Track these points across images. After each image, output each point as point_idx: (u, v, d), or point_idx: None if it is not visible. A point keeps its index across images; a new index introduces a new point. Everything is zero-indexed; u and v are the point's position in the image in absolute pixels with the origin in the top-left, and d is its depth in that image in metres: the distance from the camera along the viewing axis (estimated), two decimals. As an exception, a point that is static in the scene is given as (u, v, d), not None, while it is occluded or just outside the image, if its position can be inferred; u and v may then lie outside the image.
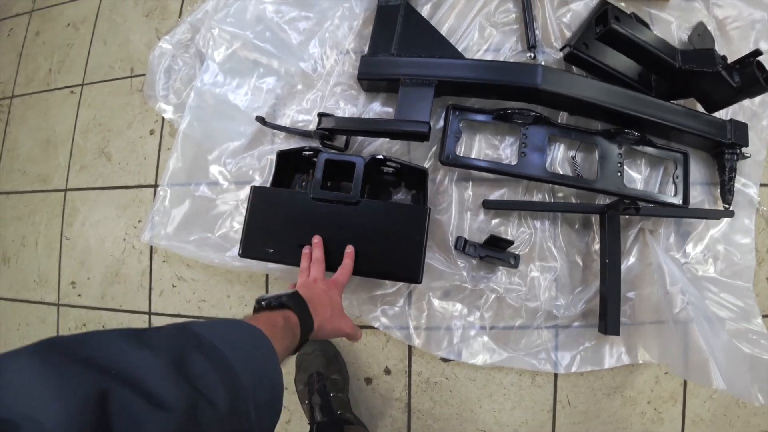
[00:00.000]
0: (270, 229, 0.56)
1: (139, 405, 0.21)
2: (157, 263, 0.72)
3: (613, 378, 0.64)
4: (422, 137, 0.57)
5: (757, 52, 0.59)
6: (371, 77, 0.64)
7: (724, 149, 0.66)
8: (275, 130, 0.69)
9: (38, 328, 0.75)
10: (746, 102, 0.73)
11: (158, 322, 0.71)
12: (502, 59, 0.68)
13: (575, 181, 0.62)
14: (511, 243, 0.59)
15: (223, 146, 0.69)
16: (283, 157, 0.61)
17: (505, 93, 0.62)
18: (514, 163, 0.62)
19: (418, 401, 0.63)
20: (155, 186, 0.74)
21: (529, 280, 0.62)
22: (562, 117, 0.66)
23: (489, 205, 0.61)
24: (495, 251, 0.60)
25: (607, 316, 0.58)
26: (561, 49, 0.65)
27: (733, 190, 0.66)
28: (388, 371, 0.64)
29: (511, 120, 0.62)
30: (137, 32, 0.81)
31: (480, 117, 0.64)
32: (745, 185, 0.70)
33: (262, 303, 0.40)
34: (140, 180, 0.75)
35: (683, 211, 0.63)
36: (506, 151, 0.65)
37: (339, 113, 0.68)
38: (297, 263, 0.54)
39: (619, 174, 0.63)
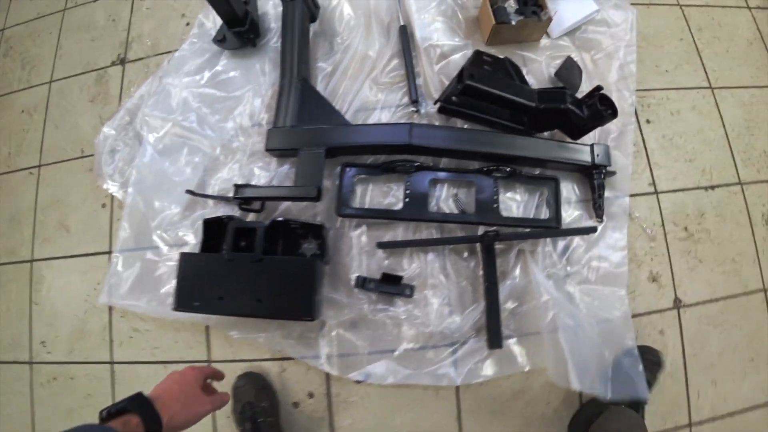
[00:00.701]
0: (196, 286, 0.70)
1: None
2: (116, 318, 0.84)
3: (511, 385, 0.73)
4: (313, 199, 0.67)
5: (598, 88, 0.69)
6: (276, 148, 0.75)
7: (592, 170, 0.75)
8: (209, 199, 0.79)
9: (14, 384, 0.88)
10: (614, 125, 0.82)
11: (120, 369, 0.83)
12: (390, 115, 0.78)
13: (454, 217, 0.72)
14: (400, 278, 0.69)
15: (163, 215, 0.83)
16: (208, 224, 0.72)
17: (386, 150, 0.72)
18: (399, 208, 0.71)
19: (340, 419, 0.73)
20: (109, 253, 0.85)
21: (424, 306, 0.72)
22: (448, 161, 0.75)
23: (382, 246, 0.71)
24: (390, 285, 0.69)
25: (490, 333, 0.66)
26: (435, 103, 0.75)
27: (602, 205, 0.76)
28: (311, 395, 0.74)
29: (396, 171, 0.72)
30: (84, 116, 0.95)
31: (370, 171, 0.74)
32: (618, 197, 0.78)
33: (103, 414, 0.42)
34: (96, 248, 0.87)
35: (551, 232, 0.72)
36: (397, 196, 0.74)
37: (254, 179, 0.79)
38: (219, 312, 0.67)
39: (495, 206, 0.72)
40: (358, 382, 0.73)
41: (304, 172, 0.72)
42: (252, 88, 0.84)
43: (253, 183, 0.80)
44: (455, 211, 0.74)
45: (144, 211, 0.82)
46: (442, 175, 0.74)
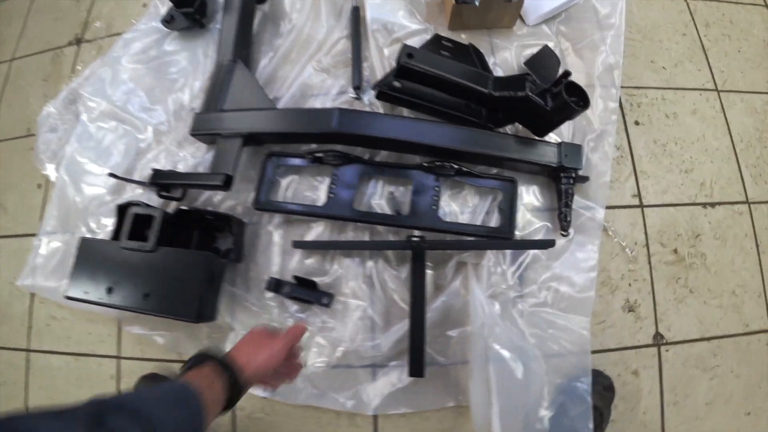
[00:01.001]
0: (91, 274, 0.64)
1: None
2: (37, 304, 0.79)
3: (440, 421, 0.62)
4: (220, 188, 0.60)
5: (567, 73, 0.57)
6: (200, 133, 0.69)
7: (560, 173, 0.64)
8: (137, 184, 0.74)
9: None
10: (596, 123, 0.70)
11: (35, 358, 0.79)
12: (330, 103, 0.69)
13: (382, 218, 0.62)
14: (314, 284, 0.60)
15: (90, 199, 0.78)
16: (121, 209, 0.66)
17: (312, 138, 0.64)
18: (322, 204, 0.63)
19: None
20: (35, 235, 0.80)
21: (342, 318, 0.63)
22: (387, 155, 0.66)
23: (298, 246, 0.63)
24: (306, 291, 0.61)
25: (411, 357, 0.56)
26: (373, 88, 0.66)
27: (569, 216, 0.64)
28: (220, 408, 0.65)
29: (323, 162, 0.63)
30: (35, 95, 0.92)
31: (296, 162, 0.66)
32: (590, 209, 0.67)
33: (189, 365, 0.40)
34: (26, 229, 0.84)
35: (499, 243, 0.61)
36: (325, 191, 0.66)
37: (181, 165, 0.73)
38: (104, 304, 0.60)
39: (434, 208, 0.62)
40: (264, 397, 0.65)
41: (220, 159, 0.65)
42: (192, 70, 0.78)
43: (179, 169, 0.74)
44: (389, 212, 0.65)
45: (72, 193, 0.78)
46: (373, 169, 0.64)
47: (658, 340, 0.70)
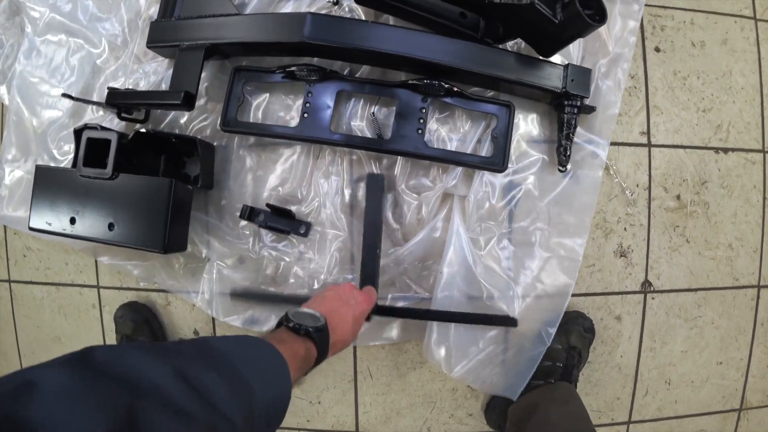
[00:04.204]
0: (52, 204, 0.57)
1: (165, 422, 0.21)
2: (11, 235, 0.74)
3: (418, 352, 0.59)
4: (181, 107, 0.51)
5: None
6: (159, 45, 0.58)
7: (563, 100, 0.54)
8: (95, 105, 0.64)
9: None
10: (611, 45, 0.59)
11: (17, 288, 0.75)
12: (304, 7, 0.58)
13: (362, 141, 0.54)
14: (290, 213, 0.53)
15: (48, 123, 0.68)
16: (77, 134, 0.58)
17: (282, 49, 0.54)
18: (294, 125, 0.54)
19: None
20: (-4, 160, 0.72)
21: (321, 249, 0.57)
22: (370, 71, 0.56)
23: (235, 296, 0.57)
24: (282, 220, 0.54)
25: (362, 286, 0.51)
26: (354, -10, 0.54)
27: (569, 150, 0.56)
28: (196, 333, 0.63)
29: (297, 78, 0.53)
30: None
31: (266, 78, 0.55)
32: (593, 143, 0.58)
33: (290, 325, 0.37)
34: None
35: (452, 315, 0.53)
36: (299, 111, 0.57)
37: (143, 83, 0.63)
38: (69, 236, 0.55)
39: (419, 132, 0.53)
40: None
41: (181, 74, 0.54)
42: None
43: (141, 87, 0.63)
44: (369, 135, 0.55)
45: (28, 117, 0.67)
46: (352, 86, 0.54)
47: (646, 288, 0.65)
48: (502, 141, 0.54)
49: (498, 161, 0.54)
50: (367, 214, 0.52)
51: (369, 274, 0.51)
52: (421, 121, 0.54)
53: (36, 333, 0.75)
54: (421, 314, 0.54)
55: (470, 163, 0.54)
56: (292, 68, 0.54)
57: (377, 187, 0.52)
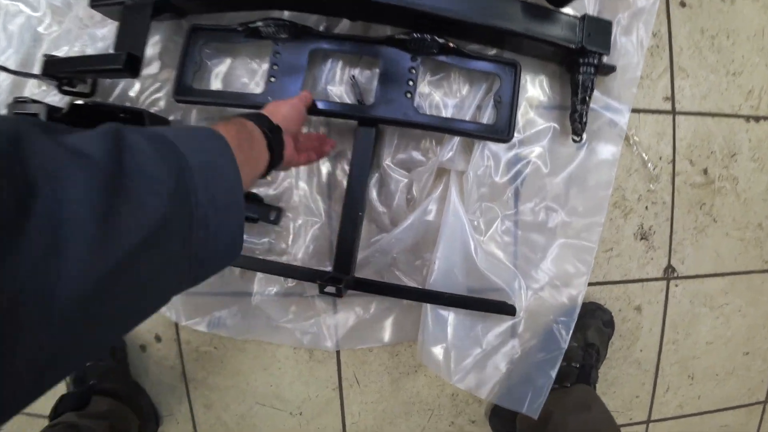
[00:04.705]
0: None
1: (57, 151, 0.17)
2: None
3: (413, 355, 0.51)
4: (123, 73, 0.43)
5: None
6: (101, 3, 0.48)
7: (578, 58, 0.46)
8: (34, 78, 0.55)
9: None
10: None
11: None
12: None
13: (341, 108, 0.45)
14: (257, 197, 0.44)
15: None
16: (9, 110, 0.49)
17: (246, 1, 0.44)
18: (259, 91, 0.45)
19: (192, 370, 0.56)
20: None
21: (296, 237, 0.48)
22: (350, 26, 0.46)
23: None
24: (249, 205, 0.46)
25: (335, 267, 0.43)
26: None
27: (585, 116, 0.48)
28: (158, 338, 0.56)
29: (262, 36, 0.44)
30: None
31: (228, 38, 0.46)
32: (611, 109, 0.50)
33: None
34: None
35: (447, 299, 0.45)
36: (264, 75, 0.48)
37: (89, 50, 0.53)
38: None
39: (408, 96, 0.44)
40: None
41: (126, 35, 0.45)
42: None
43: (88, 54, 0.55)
44: (348, 101, 0.46)
45: None
46: (328, 44, 0.45)
47: (669, 274, 0.58)
48: (507, 106, 0.45)
49: (502, 129, 0.45)
50: (353, 169, 0.44)
51: (343, 259, 0.43)
52: (411, 83, 0.45)
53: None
54: (403, 292, 0.46)
55: (469, 131, 0.45)
56: (258, 24, 0.45)
57: (368, 141, 0.44)
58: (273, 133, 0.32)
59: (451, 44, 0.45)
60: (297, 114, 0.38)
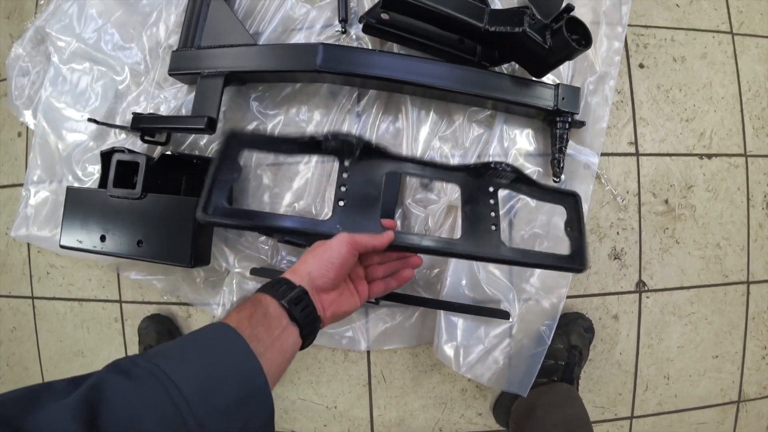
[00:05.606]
0: (82, 223, 0.61)
1: None
2: (34, 254, 0.77)
3: (429, 356, 0.62)
4: (203, 131, 0.55)
5: (569, 8, 0.50)
6: (180, 72, 0.62)
7: (555, 117, 0.58)
8: (118, 129, 0.68)
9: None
10: (598, 64, 0.63)
11: (40, 304, 0.78)
12: (314, 38, 0.61)
13: (432, 244, 0.43)
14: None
15: (72, 146, 0.72)
16: (104, 156, 0.63)
17: (296, 76, 0.58)
18: (326, 217, 0.48)
19: None
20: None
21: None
22: (372, 96, 0.59)
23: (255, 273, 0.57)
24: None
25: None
26: (359, 21, 0.58)
27: (562, 162, 0.59)
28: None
29: (323, 151, 0.46)
30: (1, 36, 0.81)
31: (270, 147, 0.48)
32: (584, 155, 0.62)
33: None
34: (12, 180, 0.79)
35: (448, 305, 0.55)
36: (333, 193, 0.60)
37: (163, 108, 0.67)
38: (100, 252, 0.58)
39: (493, 227, 0.45)
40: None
41: (202, 100, 0.58)
42: (166, 2, 0.67)
43: (161, 111, 0.67)
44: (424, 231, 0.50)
45: (54, 140, 0.71)
46: (404, 168, 0.45)
47: (640, 288, 0.69)
48: (577, 235, 0.45)
49: (579, 260, 0.43)
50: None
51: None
52: (493, 214, 0.45)
53: (58, 347, 0.78)
54: (422, 302, 0.57)
55: (549, 264, 0.45)
56: (319, 139, 0.42)
57: (394, 185, 0.53)
58: (296, 303, 0.28)
59: (523, 176, 0.47)
60: (336, 259, 0.32)
